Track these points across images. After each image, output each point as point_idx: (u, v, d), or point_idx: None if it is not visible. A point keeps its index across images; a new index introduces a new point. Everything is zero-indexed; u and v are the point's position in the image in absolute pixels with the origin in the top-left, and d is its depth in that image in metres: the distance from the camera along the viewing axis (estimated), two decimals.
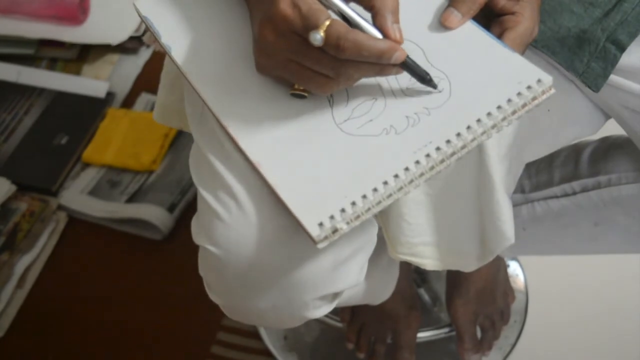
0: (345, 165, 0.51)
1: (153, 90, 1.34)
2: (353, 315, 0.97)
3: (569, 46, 0.63)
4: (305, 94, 0.54)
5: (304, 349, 1.02)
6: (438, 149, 0.50)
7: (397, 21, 0.51)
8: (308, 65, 0.51)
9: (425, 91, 0.53)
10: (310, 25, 0.49)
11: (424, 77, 0.52)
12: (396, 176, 0.50)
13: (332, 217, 0.49)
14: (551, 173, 0.83)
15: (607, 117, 0.72)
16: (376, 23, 0.51)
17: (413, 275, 1.03)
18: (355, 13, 0.51)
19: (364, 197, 0.49)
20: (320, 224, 0.49)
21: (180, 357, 1.04)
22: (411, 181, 0.50)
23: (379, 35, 0.51)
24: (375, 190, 0.49)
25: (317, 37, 0.49)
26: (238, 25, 0.58)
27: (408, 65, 0.52)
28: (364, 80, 0.54)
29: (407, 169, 0.50)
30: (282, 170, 0.52)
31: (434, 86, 0.53)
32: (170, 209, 1.17)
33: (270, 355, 1.02)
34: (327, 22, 0.49)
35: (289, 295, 0.58)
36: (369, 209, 0.49)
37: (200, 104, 0.60)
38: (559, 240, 0.85)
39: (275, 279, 0.57)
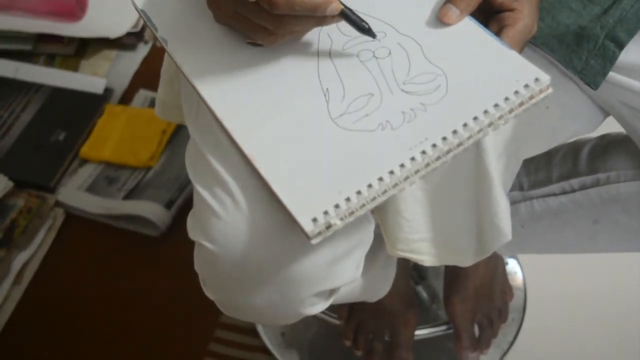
0: (340, 161, 0.51)
1: (151, 86, 1.35)
2: (351, 313, 0.97)
3: (567, 43, 0.62)
4: (260, 43, 0.55)
5: (302, 346, 1.02)
6: (434, 145, 0.50)
7: None
8: (250, 18, 0.52)
9: (422, 88, 0.53)
10: None
11: (362, 27, 0.53)
12: (391, 172, 0.49)
13: (326, 213, 0.49)
14: (550, 171, 0.83)
15: (606, 114, 0.72)
16: None
17: (411, 272, 1.03)
18: None
19: (359, 193, 0.49)
20: (314, 220, 0.48)
21: (178, 354, 1.04)
22: (407, 178, 0.50)
23: None
24: (370, 186, 0.49)
25: None
26: None
27: (346, 15, 0.52)
28: (360, 75, 0.54)
29: (402, 165, 0.49)
30: (276, 165, 0.52)
31: (373, 35, 0.54)
32: (168, 205, 1.17)
33: (268, 352, 1.02)
34: None
35: (284, 291, 0.58)
36: (363, 205, 0.49)
37: (196, 99, 0.60)
38: (557, 238, 0.85)
39: (270, 275, 0.57)
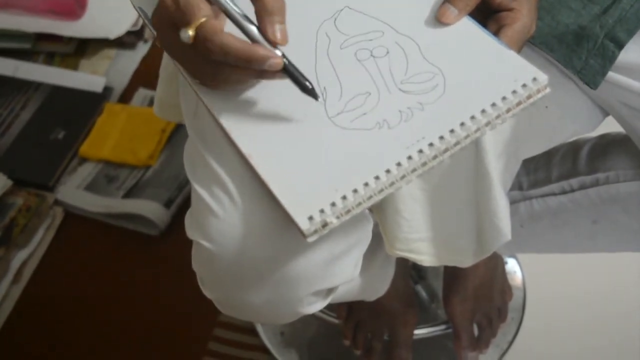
0: (337, 159, 0.51)
1: (150, 85, 1.35)
2: (350, 312, 0.97)
3: (567, 43, 0.62)
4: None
5: (301, 345, 1.03)
6: (431, 145, 0.50)
7: (281, 21, 0.49)
8: (188, 60, 0.51)
9: (419, 87, 0.53)
10: (183, 21, 0.48)
11: (304, 86, 0.51)
12: (388, 171, 0.49)
13: (322, 211, 0.48)
14: (549, 170, 0.83)
15: (606, 114, 0.72)
16: (258, 23, 0.50)
17: (410, 272, 1.03)
18: (239, 11, 0.50)
19: (355, 191, 0.49)
20: (310, 218, 0.48)
21: (177, 352, 1.04)
22: (403, 176, 0.50)
23: (260, 38, 0.50)
24: (366, 184, 0.49)
25: (185, 35, 0.48)
26: None
27: (289, 73, 0.50)
28: (358, 74, 0.54)
29: (399, 164, 0.49)
30: (273, 163, 0.52)
31: (316, 97, 0.51)
32: (167, 204, 1.17)
33: (267, 351, 1.02)
34: (202, 20, 0.48)
35: (282, 290, 0.58)
36: (359, 203, 0.49)
37: (195, 99, 0.60)
38: (557, 237, 0.85)
39: (268, 274, 0.57)
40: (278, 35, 0.49)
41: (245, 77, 0.51)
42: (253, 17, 0.51)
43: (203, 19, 0.48)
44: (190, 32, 0.48)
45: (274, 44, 0.50)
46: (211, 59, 0.49)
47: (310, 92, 0.51)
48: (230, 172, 0.56)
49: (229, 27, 0.50)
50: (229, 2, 0.50)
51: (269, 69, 0.49)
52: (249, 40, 0.50)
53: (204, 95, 0.55)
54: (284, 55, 0.50)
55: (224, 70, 0.50)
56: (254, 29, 0.50)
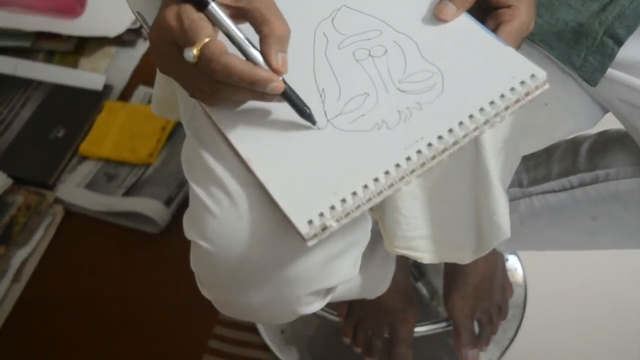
0: (336, 162, 0.51)
1: (150, 83, 1.34)
2: (350, 310, 0.97)
3: (566, 40, 0.62)
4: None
5: (301, 343, 1.03)
6: (429, 145, 0.50)
7: (282, 50, 0.50)
8: (186, 77, 0.52)
9: (418, 87, 0.53)
10: (188, 41, 0.49)
11: (302, 111, 0.52)
12: (387, 173, 0.49)
13: (321, 215, 0.49)
14: (549, 167, 0.83)
15: (605, 111, 0.72)
16: (261, 49, 0.50)
17: (411, 269, 1.03)
18: (242, 35, 0.51)
19: (354, 194, 0.49)
20: (310, 222, 0.48)
21: (178, 350, 1.04)
22: (402, 177, 0.50)
23: (261, 61, 0.50)
24: (365, 187, 0.49)
25: (190, 54, 0.49)
26: None
27: (288, 98, 0.51)
28: (356, 75, 0.54)
29: (398, 165, 0.49)
30: (272, 167, 0.52)
31: (313, 122, 0.52)
32: (167, 202, 1.17)
33: (267, 349, 1.02)
34: (206, 40, 0.49)
35: (281, 290, 0.58)
36: (359, 206, 0.49)
37: (192, 99, 0.60)
38: (557, 234, 0.85)
39: (266, 274, 0.57)
40: (280, 62, 0.50)
41: (245, 97, 0.52)
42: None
43: (207, 39, 0.49)
44: (195, 52, 0.49)
45: (276, 72, 0.50)
46: (213, 78, 0.50)
47: (308, 117, 0.52)
48: (228, 171, 0.56)
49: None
50: (231, 25, 0.51)
51: (270, 92, 0.50)
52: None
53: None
54: (283, 80, 0.51)
55: (224, 89, 0.51)
56: (257, 55, 0.51)
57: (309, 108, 0.52)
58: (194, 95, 0.54)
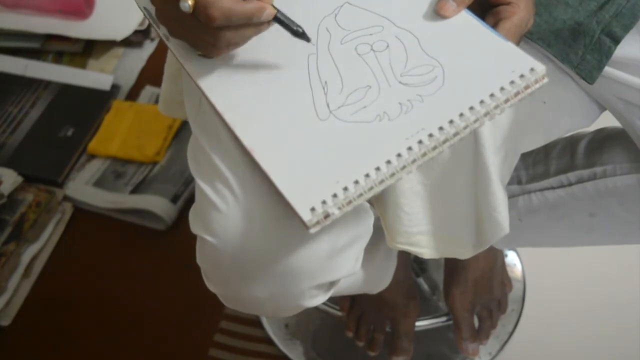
0: (338, 151, 0.51)
1: (157, 82, 1.35)
2: (353, 304, 0.98)
3: (563, 39, 0.63)
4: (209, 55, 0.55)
5: (305, 337, 1.03)
6: (430, 135, 0.50)
7: None
8: (188, 31, 0.52)
9: (419, 80, 0.53)
10: None
11: (296, 31, 0.54)
12: (388, 162, 0.50)
13: (324, 202, 0.49)
14: (548, 164, 0.82)
15: (603, 108, 0.72)
16: None
17: (412, 264, 1.03)
18: None
19: (356, 182, 0.49)
20: (312, 209, 0.49)
21: (184, 345, 1.05)
22: (403, 167, 0.50)
23: None
24: (367, 175, 0.49)
25: (185, 5, 0.50)
26: None
27: (280, 21, 0.53)
28: (358, 68, 0.55)
29: (399, 155, 0.50)
30: (275, 156, 0.52)
31: (307, 39, 0.54)
32: (174, 199, 1.17)
33: (272, 343, 1.03)
34: None
35: (285, 284, 0.59)
36: (361, 194, 0.49)
37: (198, 96, 0.60)
38: (555, 231, 0.85)
39: (271, 268, 0.58)
40: None
41: (245, 35, 0.53)
42: None
43: None
44: (190, 2, 0.50)
45: None
46: (212, 25, 0.50)
47: (301, 36, 0.54)
48: (233, 167, 0.57)
49: None
50: None
51: (266, 19, 0.51)
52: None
53: (207, 90, 0.56)
54: (273, 6, 0.52)
55: (225, 35, 0.52)
56: None
57: (301, 27, 0.54)
58: (199, 49, 0.55)
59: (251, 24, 0.52)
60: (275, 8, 0.52)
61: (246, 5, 0.50)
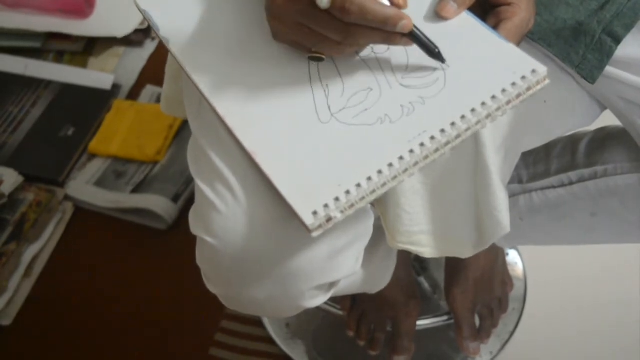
0: (340, 154, 0.51)
1: (158, 82, 1.35)
2: (353, 304, 0.98)
3: (565, 38, 0.63)
4: (323, 57, 0.54)
5: (306, 336, 1.03)
6: (432, 138, 0.50)
7: None
8: (316, 29, 0.52)
9: (420, 82, 0.53)
10: None
11: (432, 51, 0.53)
12: (390, 165, 0.50)
13: (326, 206, 0.49)
14: (549, 163, 0.83)
15: (604, 108, 0.72)
16: None
17: (413, 264, 1.03)
18: None
19: (358, 185, 0.49)
20: (315, 213, 0.49)
21: (185, 344, 1.05)
22: (405, 170, 0.50)
23: (386, 2, 0.51)
24: (369, 179, 0.49)
25: (324, 1, 0.49)
26: (237, 16, 0.59)
27: (415, 36, 0.52)
28: (359, 71, 0.55)
29: (401, 157, 0.50)
30: (277, 160, 0.52)
31: (442, 60, 0.53)
32: (175, 199, 1.18)
33: (273, 342, 1.03)
34: None
35: (285, 285, 0.59)
36: (363, 197, 0.49)
37: (198, 96, 0.60)
38: (556, 230, 0.85)
39: (271, 269, 0.58)
40: (401, 0, 0.51)
41: (373, 40, 0.52)
42: None
43: None
44: None
45: (399, 7, 0.51)
46: (346, 20, 0.50)
47: (437, 56, 0.53)
48: (233, 168, 0.56)
49: None
50: None
51: (400, 30, 0.51)
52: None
53: (208, 94, 0.56)
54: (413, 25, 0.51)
55: (355, 33, 0.51)
56: None
57: (437, 47, 0.52)
58: (321, 49, 0.54)
59: (383, 30, 0.51)
60: (414, 25, 0.51)
61: (385, 9, 0.50)
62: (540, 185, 0.83)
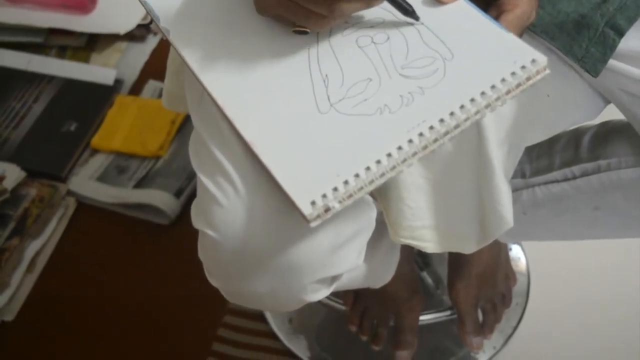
0: (339, 144, 0.51)
1: (160, 77, 1.35)
2: (356, 299, 0.98)
3: (567, 31, 0.63)
4: (307, 30, 0.55)
5: (309, 331, 1.03)
6: (431, 128, 0.50)
7: None
8: (302, 4, 0.52)
9: (420, 72, 0.53)
10: None
11: (406, 9, 0.55)
12: (389, 155, 0.50)
13: (324, 196, 0.49)
14: (552, 158, 0.82)
15: (607, 101, 0.72)
16: None
17: (415, 259, 1.03)
18: None
19: (357, 175, 0.49)
20: (313, 203, 0.49)
21: (187, 339, 1.05)
22: (404, 160, 0.50)
23: None
24: (368, 169, 0.49)
25: None
26: (238, 8, 0.59)
27: None
28: (359, 61, 0.55)
29: (400, 147, 0.50)
30: (276, 150, 0.52)
31: (416, 18, 0.55)
32: (177, 194, 1.18)
33: (276, 337, 1.03)
34: None
35: (286, 278, 0.59)
36: (361, 187, 0.49)
37: (199, 90, 0.60)
38: (559, 225, 0.85)
39: (272, 262, 0.58)
40: None
41: (357, 8, 0.53)
42: None
43: None
44: None
45: None
46: None
47: (411, 15, 0.55)
48: (234, 162, 0.56)
49: None
50: None
51: None
52: None
53: (209, 84, 0.56)
54: None
55: (340, 5, 0.51)
56: None
57: (411, 6, 0.55)
58: (306, 23, 0.54)
59: None
60: None
61: None
62: (543, 179, 0.83)
